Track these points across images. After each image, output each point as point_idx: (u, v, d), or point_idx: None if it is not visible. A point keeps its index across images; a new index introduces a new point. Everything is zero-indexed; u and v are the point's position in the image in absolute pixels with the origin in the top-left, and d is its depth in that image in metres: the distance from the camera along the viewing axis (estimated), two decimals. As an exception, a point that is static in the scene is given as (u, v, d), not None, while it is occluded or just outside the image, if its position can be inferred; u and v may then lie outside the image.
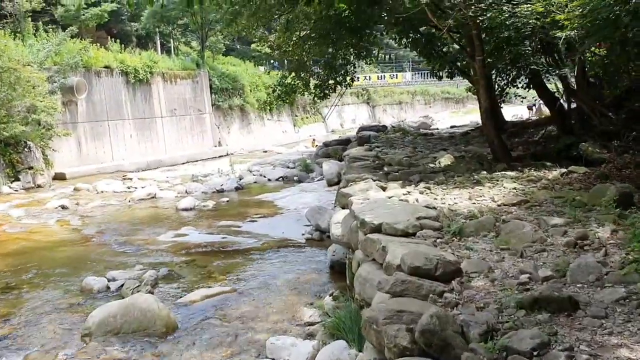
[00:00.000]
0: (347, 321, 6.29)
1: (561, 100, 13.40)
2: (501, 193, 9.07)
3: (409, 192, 9.96)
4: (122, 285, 9.60)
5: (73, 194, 20.35)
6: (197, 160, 31.43)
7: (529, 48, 11.17)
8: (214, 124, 36.53)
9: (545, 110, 18.63)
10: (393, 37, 20.60)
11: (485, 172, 11.23)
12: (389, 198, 9.39)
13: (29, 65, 20.70)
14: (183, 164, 30.25)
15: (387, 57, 73.69)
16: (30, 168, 21.37)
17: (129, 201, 18.79)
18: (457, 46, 14.78)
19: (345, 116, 55.62)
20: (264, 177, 23.01)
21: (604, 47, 14.24)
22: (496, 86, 14.72)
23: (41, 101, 20.80)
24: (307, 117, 50.12)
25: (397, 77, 60.69)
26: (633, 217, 6.13)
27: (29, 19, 28.20)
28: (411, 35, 19.40)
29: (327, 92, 17.14)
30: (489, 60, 12.33)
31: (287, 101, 19.57)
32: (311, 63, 18.30)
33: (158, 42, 42.60)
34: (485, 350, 3.71)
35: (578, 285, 4.83)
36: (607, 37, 7.75)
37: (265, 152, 36.27)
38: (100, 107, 27.63)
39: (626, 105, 11.70)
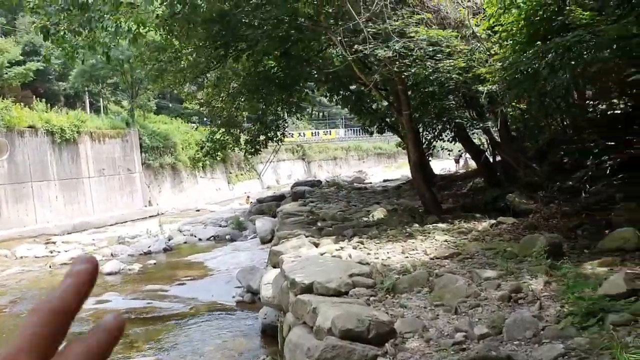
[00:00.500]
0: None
1: (486, 153, 13.76)
2: (433, 246, 8.97)
3: (342, 247, 9.70)
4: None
5: (-13, 261, 18.82)
6: (126, 221, 30.17)
7: (453, 102, 11.46)
8: (144, 183, 35.42)
9: (472, 163, 19.17)
10: (324, 95, 20.88)
11: (417, 225, 11.19)
12: (322, 255, 9.09)
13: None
14: (112, 225, 28.92)
15: (321, 114, 75.11)
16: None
17: (50, 266, 17.54)
18: (385, 102, 15.04)
19: (281, 172, 55.57)
20: (195, 236, 22.22)
21: (524, 102, 14.90)
22: (424, 140, 15.01)
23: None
24: (241, 174, 49.63)
25: (330, 134, 61.66)
26: (564, 268, 6.09)
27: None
28: (341, 92, 19.71)
29: (258, 147, 16.95)
30: (415, 114, 12.55)
31: (216, 157, 19.18)
32: (244, 119, 18.17)
33: (87, 101, 41.47)
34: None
35: (515, 342, 4.62)
36: (527, 90, 7.99)
37: (198, 210, 35.31)
38: (24, 168, 26.20)
39: (548, 157, 12.09)
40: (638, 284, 5.21)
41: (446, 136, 13.63)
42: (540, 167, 11.97)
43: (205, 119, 16.94)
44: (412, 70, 10.35)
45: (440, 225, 10.85)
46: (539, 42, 7.70)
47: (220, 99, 15.67)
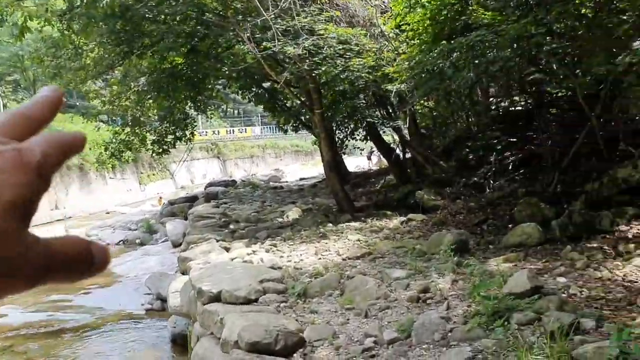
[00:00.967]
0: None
1: (397, 151, 13.97)
2: (346, 246, 8.91)
3: (254, 251, 9.44)
4: None
5: None
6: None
7: (364, 101, 11.50)
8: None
9: (385, 160, 19.46)
10: (236, 92, 20.43)
11: (331, 225, 11.12)
12: (232, 260, 8.78)
13: None
14: (11, 232, 26.84)
15: (236, 111, 74.01)
16: None
17: None
18: (298, 100, 14.90)
19: (196, 171, 54.15)
20: (103, 241, 21.07)
21: (432, 100, 15.26)
22: (337, 138, 15.03)
23: None
24: (153, 174, 47.88)
25: (246, 132, 60.89)
26: (471, 265, 6.16)
27: None
28: (254, 89, 19.33)
29: (166, 147, 16.27)
30: (328, 113, 12.48)
31: (121, 159, 18.24)
32: (155, 117, 17.35)
33: (-16, 100, 38.43)
34: None
35: (424, 346, 4.57)
36: (434, 88, 8.08)
37: (108, 213, 33.65)
38: None
39: (455, 154, 12.43)
40: (541, 281, 5.34)
41: (358, 135, 13.70)
42: (448, 163, 12.27)
43: (115, 118, 16.00)
44: (323, 69, 10.23)
45: (353, 224, 10.84)
46: (444, 42, 7.80)
47: (125, 97, 14.86)
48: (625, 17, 8.02)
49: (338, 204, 12.49)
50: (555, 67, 9.08)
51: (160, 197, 36.07)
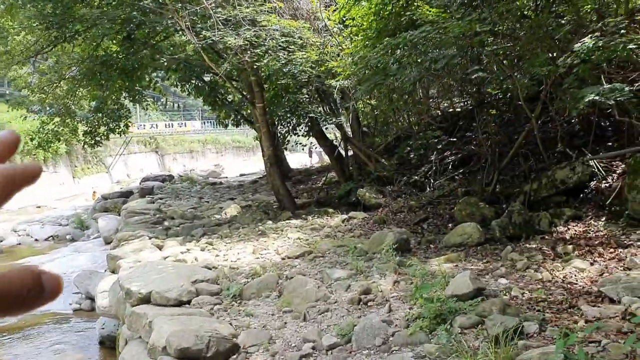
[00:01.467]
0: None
1: (339, 148, 13.80)
2: (286, 244, 8.63)
3: (188, 249, 9.00)
4: None
5: None
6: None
7: (307, 96, 11.23)
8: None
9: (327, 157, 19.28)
10: (175, 84, 19.74)
11: (270, 222, 10.82)
12: (165, 259, 8.32)
13: None
14: None
15: (176, 105, 72.24)
16: None
17: None
18: (240, 96, 14.46)
19: (133, 166, 52.41)
20: (31, 237, 19.92)
21: (374, 98, 15.18)
22: (279, 134, 14.69)
23: None
24: (88, 168, 45.98)
25: (185, 126, 59.44)
26: (412, 266, 6.01)
27: None
28: (193, 81, 18.72)
29: (98, 139, 15.41)
30: (269, 108, 12.14)
31: (50, 150, 17.19)
32: (89, 107, 16.38)
33: None
34: None
35: (364, 351, 4.35)
36: (377, 85, 7.91)
37: (39, 207, 31.95)
38: None
39: (397, 152, 12.37)
40: (483, 283, 5.24)
41: (300, 131, 13.44)
42: (389, 161, 12.20)
43: (45, 107, 14.96)
44: (265, 61, 9.90)
45: (293, 221, 10.57)
46: (388, 38, 7.62)
47: (56, 85, 13.93)
48: (563, 21, 8.14)
49: (279, 201, 12.18)
50: (496, 68, 9.14)
51: (95, 192, 34.67)
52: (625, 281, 4.91)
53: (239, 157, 75.36)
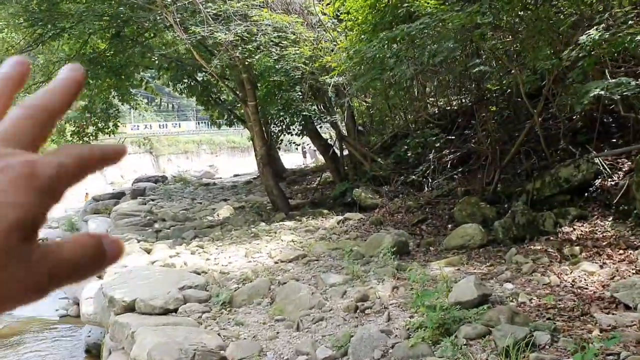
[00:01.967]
0: None
1: (334, 147, 13.46)
2: (279, 247, 8.28)
3: (178, 253, 8.65)
4: None
5: None
6: None
7: (300, 93, 10.87)
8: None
9: (322, 157, 18.94)
10: (167, 83, 19.38)
11: (264, 224, 10.47)
12: (153, 263, 7.97)
13: None
14: None
15: (170, 105, 71.72)
16: None
17: None
18: (232, 94, 14.08)
19: (127, 167, 51.93)
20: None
21: (370, 96, 14.84)
22: (272, 132, 14.31)
23: None
24: (80, 169, 45.62)
25: (180, 126, 59.00)
26: (412, 270, 5.67)
27: None
28: (186, 80, 18.37)
29: (86, 140, 14.97)
30: (262, 106, 11.77)
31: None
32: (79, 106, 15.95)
33: None
34: None
35: (361, 365, 4.01)
36: (374, 79, 7.56)
37: (28, 209, 31.45)
38: None
39: (393, 150, 12.02)
40: (488, 288, 4.90)
41: (294, 129, 13.08)
42: (386, 161, 11.85)
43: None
44: (257, 57, 9.54)
45: (287, 223, 10.23)
46: (385, 31, 7.28)
47: (39, 83, 13.48)
48: (565, 14, 7.83)
49: (272, 202, 11.83)
50: (497, 62, 8.82)
51: (87, 193, 34.17)
52: (640, 286, 4.59)
53: (234, 158, 74.96)
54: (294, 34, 9.69)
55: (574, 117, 9.96)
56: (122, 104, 15.41)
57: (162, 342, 4.51)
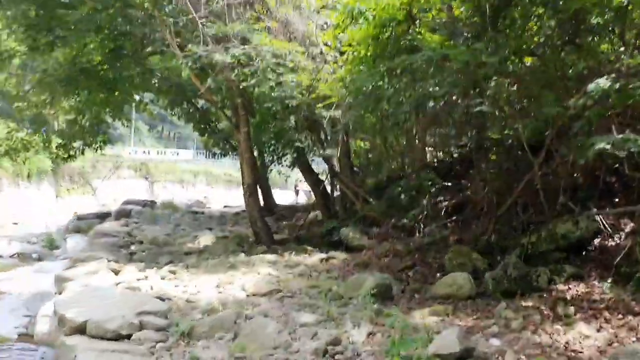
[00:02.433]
0: None
1: (325, 183, 13.08)
2: (254, 280, 7.74)
3: (146, 277, 8.11)
4: None
5: None
6: None
7: (294, 124, 10.50)
8: (-53, 191, 30.16)
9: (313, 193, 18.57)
10: (165, 107, 19.15)
11: (243, 255, 9.95)
12: (117, 285, 7.43)
13: None
14: None
15: (172, 134, 71.86)
16: None
17: None
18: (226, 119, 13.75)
19: (121, 190, 51.40)
20: (-6, 253, 18.78)
21: (367, 141, 14.54)
22: (267, 162, 13.87)
23: None
24: (74, 188, 44.94)
25: (178, 155, 58.84)
26: (392, 316, 5.15)
27: None
28: (184, 106, 18.15)
29: (72, 154, 14.53)
30: (254, 134, 11.40)
31: (13, 160, 16.19)
32: (65, 119, 15.49)
33: None
34: None
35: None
36: (372, 107, 7.18)
37: (16, 224, 30.71)
38: None
39: (387, 192, 11.59)
40: (472, 342, 4.40)
41: (286, 161, 12.68)
42: (378, 202, 11.41)
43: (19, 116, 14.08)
44: (253, 81, 9.22)
45: (267, 256, 9.70)
46: (384, 62, 6.98)
47: (26, 90, 13.14)
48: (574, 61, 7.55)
49: (255, 234, 11.33)
50: (500, 108, 8.49)
51: (76, 212, 33.58)
52: (643, 355, 4.09)
53: (229, 190, 74.36)
54: (293, 62, 9.40)
55: (575, 174, 9.58)
56: (113, 121, 15.02)
57: (101, 371, 3.97)
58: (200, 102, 17.75)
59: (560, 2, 6.80)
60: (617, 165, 8.30)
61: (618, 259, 6.56)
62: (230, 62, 9.14)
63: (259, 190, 15.55)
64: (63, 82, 11.33)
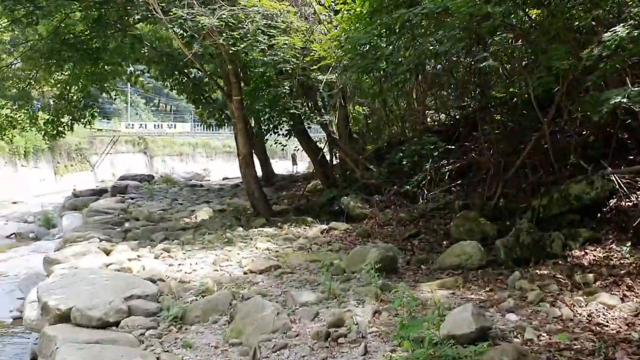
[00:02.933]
0: None
1: (324, 151, 12.61)
2: (251, 255, 7.37)
3: (139, 256, 7.72)
4: None
5: None
6: None
7: (288, 89, 9.95)
8: (-59, 171, 29.77)
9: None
10: (156, 77, 18.55)
11: (241, 229, 9.56)
12: (108, 266, 7.04)
13: None
14: None
15: (169, 107, 71.01)
16: None
17: None
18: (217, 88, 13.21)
19: (119, 165, 50.96)
20: (-9, 233, 18.46)
21: (365, 106, 13.99)
22: (264, 130, 13.34)
23: None
24: (72, 165, 44.53)
25: (175, 127, 58.09)
26: (397, 293, 4.75)
27: None
28: (177, 76, 17.53)
29: (61, 130, 14.00)
30: (247, 102, 10.86)
31: (3, 138, 15.69)
32: (52, 93, 14.90)
33: None
34: None
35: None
36: (370, 67, 6.67)
37: (15, 203, 30.43)
38: None
39: (387, 158, 11.14)
40: (489, 320, 4.01)
41: (281, 129, 12.19)
42: (379, 169, 10.97)
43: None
44: (243, 45, 8.67)
45: (266, 229, 9.32)
46: (382, 17, 6.43)
47: (9, 65, 12.56)
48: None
49: (253, 206, 10.92)
50: (506, 65, 7.98)
51: (75, 189, 33.25)
52: (677, 328, 3.70)
53: (228, 162, 74.03)
54: (284, 23, 8.84)
55: (584, 132, 9.09)
56: (101, 94, 14.46)
57: (80, 368, 3.60)
58: (193, 72, 17.19)
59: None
60: (628, 120, 7.84)
61: (638, 221, 6.15)
62: (218, 26, 8.59)
63: (256, 161, 15.11)
64: (46, 54, 10.76)
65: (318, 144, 13.09)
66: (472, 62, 6.88)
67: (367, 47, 6.28)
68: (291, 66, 9.28)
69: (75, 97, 13.33)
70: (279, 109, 10.26)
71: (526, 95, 9.13)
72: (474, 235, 7.18)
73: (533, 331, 4.08)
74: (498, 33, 7.66)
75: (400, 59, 6.92)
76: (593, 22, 6.76)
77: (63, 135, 14.60)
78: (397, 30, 6.21)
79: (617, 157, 7.79)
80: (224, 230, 9.60)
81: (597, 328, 4.16)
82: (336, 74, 8.92)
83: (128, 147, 53.81)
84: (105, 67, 12.75)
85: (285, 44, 8.67)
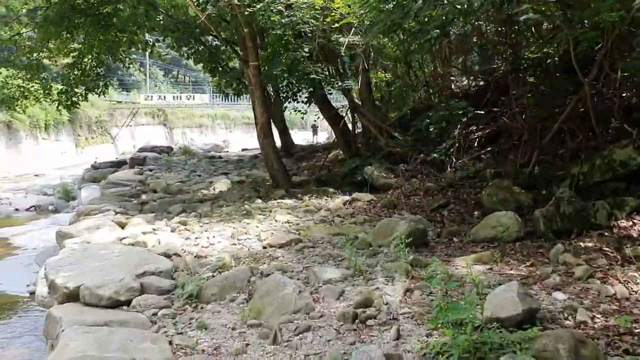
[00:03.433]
0: None
1: (346, 119, 12.10)
2: (271, 229, 7.00)
3: (155, 229, 7.41)
4: None
5: None
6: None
7: (307, 52, 9.41)
8: (-35, 144, 29.97)
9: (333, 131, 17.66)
10: (172, 46, 18.10)
11: (260, 201, 9.19)
12: (121, 240, 6.73)
13: None
14: None
15: (187, 78, 70.68)
16: None
17: None
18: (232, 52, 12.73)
19: (139, 137, 51.04)
20: (12, 206, 18.47)
21: (389, 71, 13.39)
22: (281, 98, 12.86)
23: None
24: (92, 137, 44.68)
25: (194, 99, 57.72)
26: (431, 269, 4.33)
27: None
28: (193, 45, 17.06)
29: (75, 100, 13.69)
30: (265, 68, 10.36)
31: (11, 108, 15.49)
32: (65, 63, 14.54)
33: None
34: None
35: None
36: (396, 26, 6.12)
37: (37, 175, 30.63)
38: None
39: (413, 125, 10.61)
40: (537, 301, 3.57)
41: (301, 96, 11.68)
42: (404, 136, 10.45)
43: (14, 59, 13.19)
44: (259, 6, 8.16)
45: (286, 201, 8.94)
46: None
47: (19, 34, 12.18)
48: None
49: (272, 177, 10.53)
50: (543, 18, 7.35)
51: (96, 161, 33.33)
52: None
53: (247, 134, 73.77)
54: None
55: (624, 95, 8.44)
56: (114, 62, 14.07)
57: (87, 356, 3.27)
58: (210, 40, 16.71)
59: None
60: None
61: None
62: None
63: (275, 131, 14.65)
64: (55, 20, 10.35)
65: (339, 111, 12.57)
66: (509, 15, 6.29)
67: (395, 3, 5.73)
68: (311, 28, 8.75)
69: (88, 67, 12.99)
70: (298, 75, 9.74)
71: (557, 58, 8.51)
72: (508, 205, 6.71)
73: (586, 312, 3.64)
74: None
75: (426, 18, 6.35)
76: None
77: (77, 106, 14.30)
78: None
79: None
80: (242, 202, 9.24)
81: (659, 309, 3.70)
82: (359, 35, 8.37)
83: (148, 119, 53.76)
84: (118, 34, 12.29)
85: (305, 3, 8.12)
